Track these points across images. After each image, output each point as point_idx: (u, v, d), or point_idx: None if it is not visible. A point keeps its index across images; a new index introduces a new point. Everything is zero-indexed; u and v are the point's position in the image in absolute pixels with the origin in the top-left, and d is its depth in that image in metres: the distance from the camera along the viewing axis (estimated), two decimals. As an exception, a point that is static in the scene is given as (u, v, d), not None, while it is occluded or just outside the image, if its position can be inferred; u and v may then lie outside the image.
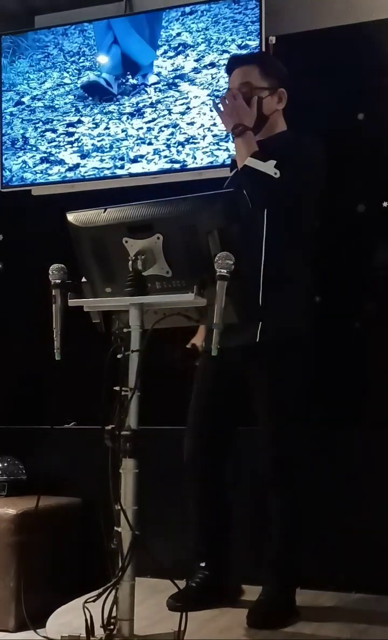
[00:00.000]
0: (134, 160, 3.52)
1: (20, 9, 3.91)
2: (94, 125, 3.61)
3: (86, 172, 3.61)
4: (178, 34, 3.47)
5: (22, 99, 3.76)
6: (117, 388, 2.13)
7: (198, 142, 3.39)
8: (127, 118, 3.55)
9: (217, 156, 3.32)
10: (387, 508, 2.84)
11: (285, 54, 3.29)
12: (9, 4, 3.88)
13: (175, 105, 3.46)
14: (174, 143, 3.45)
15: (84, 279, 2.30)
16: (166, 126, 3.47)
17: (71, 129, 3.65)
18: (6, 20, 3.89)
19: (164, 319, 2.21)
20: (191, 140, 3.40)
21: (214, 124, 3.33)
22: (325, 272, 2.76)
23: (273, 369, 2.56)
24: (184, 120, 3.44)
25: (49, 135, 3.69)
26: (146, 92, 3.51)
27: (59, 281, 2.24)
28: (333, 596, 2.79)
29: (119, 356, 2.15)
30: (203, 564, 2.67)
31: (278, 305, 2.55)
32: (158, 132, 3.48)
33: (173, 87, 3.46)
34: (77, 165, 3.62)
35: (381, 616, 2.57)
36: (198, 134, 3.38)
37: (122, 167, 3.55)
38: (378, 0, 3.29)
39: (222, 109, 2.63)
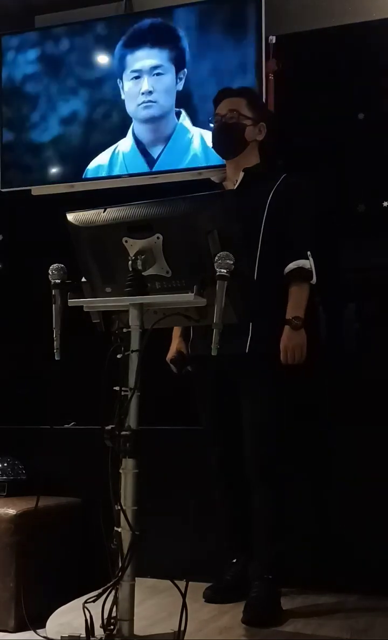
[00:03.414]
0: None
1: (21, 9, 3.91)
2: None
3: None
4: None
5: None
6: (117, 388, 2.12)
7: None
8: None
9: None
10: (386, 508, 2.84)
11: (285, 54, 3.30)
12: (9, 3, 3.88)
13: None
14: None
15: (84, 279, 2.30)
16: None
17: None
18: (6, 20, 3.89)
19: (164, 319, 2.21)
20: None
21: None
22: (325, 272, 2.77)
23: (263, 377, 2.65)
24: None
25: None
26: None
27: (59, 281, 2.24)
28: (333, 596, 2.79)
29: (119, 356, 2.15)
30: (234, 560, 2.79)
31: (267, 317, 2.63)
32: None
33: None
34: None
35: (381, 616, 2.57)
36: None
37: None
38: (378, 0, 3.29)
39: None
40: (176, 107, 3.49)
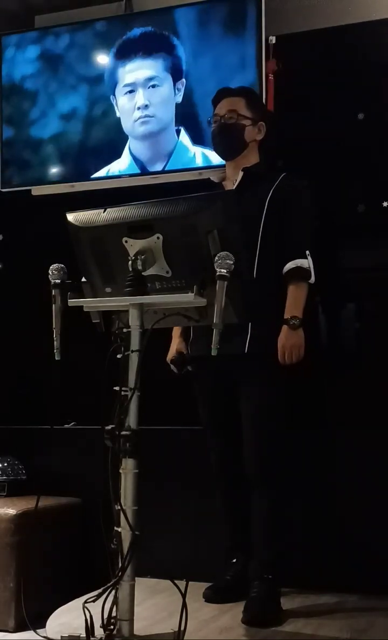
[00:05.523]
0: None
1: (21, 9, 3.91)
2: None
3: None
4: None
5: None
6: (117, 388, 2.12)
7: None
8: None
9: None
10: (386, 508, 2.85)
11: (285, 54, 3.30)
12: (9, 3, 3.88)
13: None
14: None
15: (84, 279, 2.30)
16: None
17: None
18: (6, 20, 3.89)
19: (164, 319, 2.21)
20: None
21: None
22: (325, 272, 2.77)
23: (262, 377, 2.65)
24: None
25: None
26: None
27: (59, 281, 2.24)
28: (333, 596, 2.79)
29: (119, 356, 2.15)
30: (234, 560, 2.79)
31: (266, 317, 2.64)
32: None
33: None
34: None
35: (381, 616, 2.57)
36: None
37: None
38: (378, 0, 3.29)
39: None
40: (175, 123, 3.37)
